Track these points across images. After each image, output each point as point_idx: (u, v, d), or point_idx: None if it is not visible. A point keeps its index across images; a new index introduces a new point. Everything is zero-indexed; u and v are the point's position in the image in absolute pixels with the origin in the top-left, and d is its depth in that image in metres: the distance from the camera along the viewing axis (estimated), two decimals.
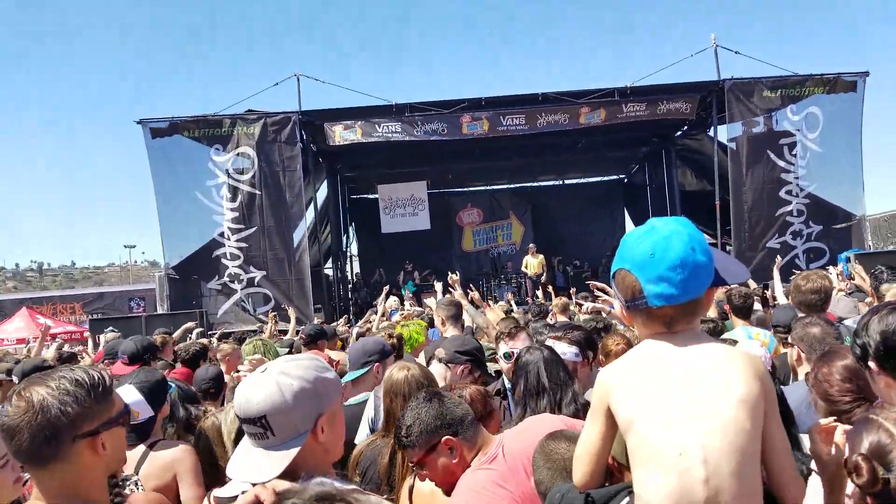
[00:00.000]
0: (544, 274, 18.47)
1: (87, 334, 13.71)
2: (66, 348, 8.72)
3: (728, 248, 15.96)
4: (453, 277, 6.96)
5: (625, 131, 17.56)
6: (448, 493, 2.22)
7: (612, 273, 1.68)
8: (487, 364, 4.13)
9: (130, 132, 15.68)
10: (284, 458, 1.57)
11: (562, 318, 7.30)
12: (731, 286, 5.21)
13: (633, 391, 1.56)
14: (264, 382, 1.61)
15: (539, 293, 12.61)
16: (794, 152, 15.36)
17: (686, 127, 17.98)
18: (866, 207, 16.33)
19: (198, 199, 14.80)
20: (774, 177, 15.34)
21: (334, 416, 1.71)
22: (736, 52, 15.51)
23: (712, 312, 5.75)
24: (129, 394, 3.06)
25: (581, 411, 2.71)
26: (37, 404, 1.51)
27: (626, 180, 24.11)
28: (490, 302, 16.84)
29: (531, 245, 19.12)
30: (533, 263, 18.25)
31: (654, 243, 1.55)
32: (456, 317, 5.16)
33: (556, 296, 12.64)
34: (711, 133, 16.84)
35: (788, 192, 15.38)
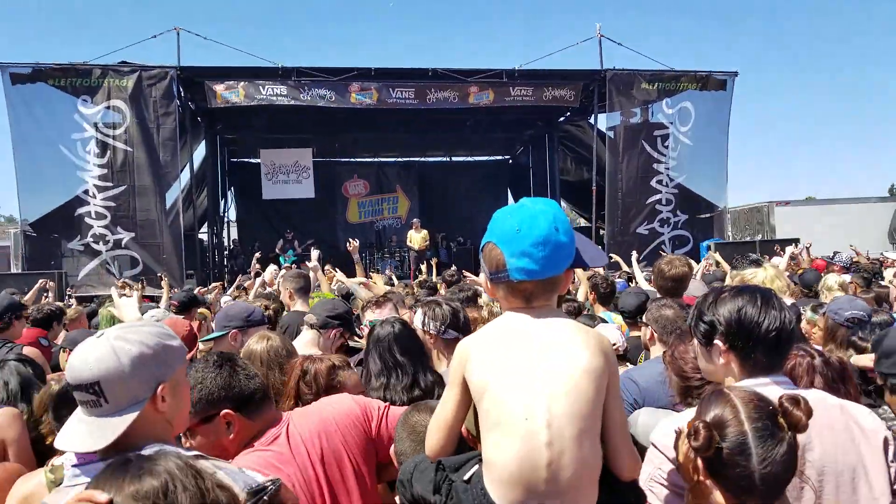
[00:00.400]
0: (427, 249, 18.59)
1: None
2: None
3: (601, 231, 16.84)
4: (353, 244, 7.00)
5: (511, 113, 17.97)
6: None
7: (481, 246, 1.72)
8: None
9: None
10: (118, 425, 1.47)
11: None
12: (596, 274, 5.42)
13: (487, 359, 1.61)
14: (99, 346, 1.51)
15: (423, 268, 12.74)
16: (666, 144, 16.37)
17: (569, 113, 18.67)
18: (728, 200, 17.72)
19: (61, 153, 13.65)
20: (647, 166, 16.27)
21: (178, 386, 1.64)
22: (619, 44, 16.22)
23: (580, 296, 5.99)
24: None
25: (437, 384, 2.77)
26: None
27: (510, 161, 24.76)
28: (372, 274, 16.83)
29: (415, 220, 19.19)
30: (416, 238, 18.33)
31: (521, 220, 1.60)
32: (304, 290, 5.00)
33: (436, 272, 12.82)
34: (592, 121, 17.57)
35: (659, 182, 16.39)
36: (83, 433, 1.49)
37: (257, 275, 10.31)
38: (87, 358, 1.50)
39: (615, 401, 1.63)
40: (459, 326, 3.31)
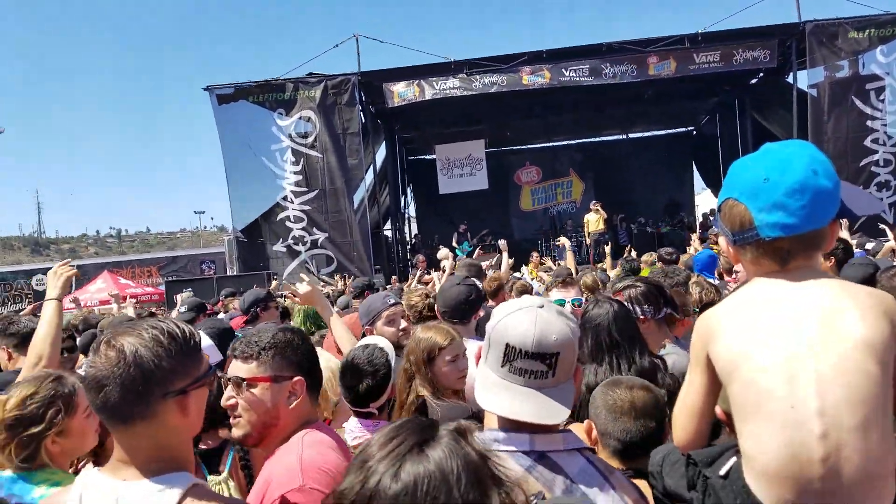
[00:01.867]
0: (606, 231, 17.83)
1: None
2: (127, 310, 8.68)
3: None
4: (564, 241, 7.12)
5: (694, 81, 16.74)
6: (249, 440, 1.87)
7: (717, 206, 1.51)
8: None
9: (199, 99, 16.15)
10: (568, 403, 1.44)
11: None
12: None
13: (737, 333, 1.39)
14: (555, 318, 1.47)
15: (607, 250, 12.11)
16: (881, 97, 14.43)
17: (762, 74, 16.97)
18: None
19: (263, 164, 15.18)
20: (860, 124, 14.46)
21: None
22: None
23: None
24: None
25: (656, 366, 2.62)
26: (129, 355, 1.32)
27: (694, 132, 23.08)
28: (548, 259, 16.55)
29: (594, 202, 18.41)
30: (592, 220, 17.59)
31: (768, 167, 1.37)
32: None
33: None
34: (789, 80, 15.84)
35: (875, 141, 14.48)
36: (524, 403, 1.43)
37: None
38: (549, 327, 1.45)
39: None
40: (669, 302, 3.14)
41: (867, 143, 14.47)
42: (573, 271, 6.57)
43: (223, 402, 1.86)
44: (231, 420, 1.87)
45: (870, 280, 3.50)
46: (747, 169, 1.42)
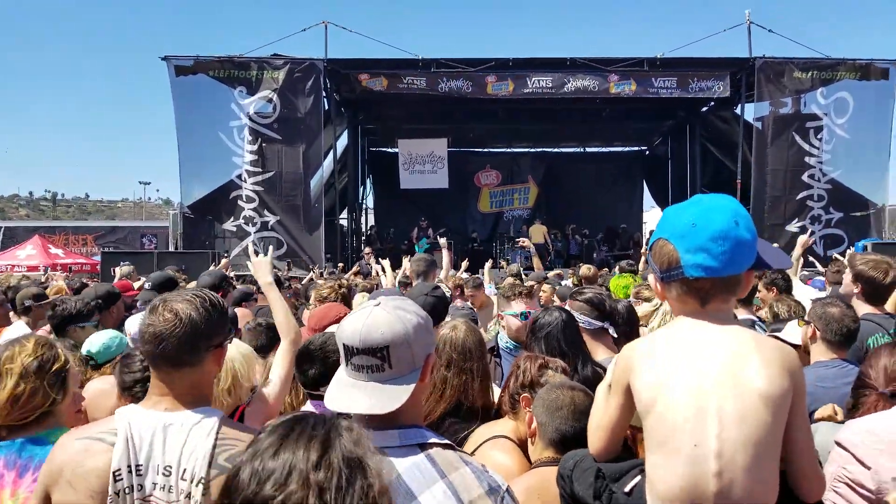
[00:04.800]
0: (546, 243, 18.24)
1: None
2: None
3: None
4: (524, 241, 7.40)
5: (651, 103, 17.36)
6: None
7: (649, 244, 1.66)
8: None
9: (153, 68, 15.68)
10: (404, 391, 1.51)
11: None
12: (767, 273, 5.01)
13: (655, 374, 1.53)
14: (384, 314, 1.55)
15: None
16: (819, 136, 15.22)
17: (713, 103, 17.73)
18: (889, 198, 16.15)
19: (219, 139, 14.83)
20: (798, 160, 15.21)
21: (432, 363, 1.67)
22: (769, 31, 15.20)
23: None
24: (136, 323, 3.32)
25: (598, 376, 2.67)
26: (184, 317, 1.77)
27: (647, 152, 23.82)
28: (504, 262, 16.86)
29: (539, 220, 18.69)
30: (535, 232, 18.06)
31: (696, 214, 1.52)
32: (424, 274, 5.02)
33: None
34: (738, 111, 16.60)
35: (811, 177, 15.25)
36: (362, 397, 1.51)
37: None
38: (376, 323, 1.52)
39: (800, 422, 1.51)
40: (605, 315, 3.26)
41: (804, 178, 15.22)
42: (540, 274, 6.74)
43: None
44: None
45: None
46: (678, 214, 1.55)
